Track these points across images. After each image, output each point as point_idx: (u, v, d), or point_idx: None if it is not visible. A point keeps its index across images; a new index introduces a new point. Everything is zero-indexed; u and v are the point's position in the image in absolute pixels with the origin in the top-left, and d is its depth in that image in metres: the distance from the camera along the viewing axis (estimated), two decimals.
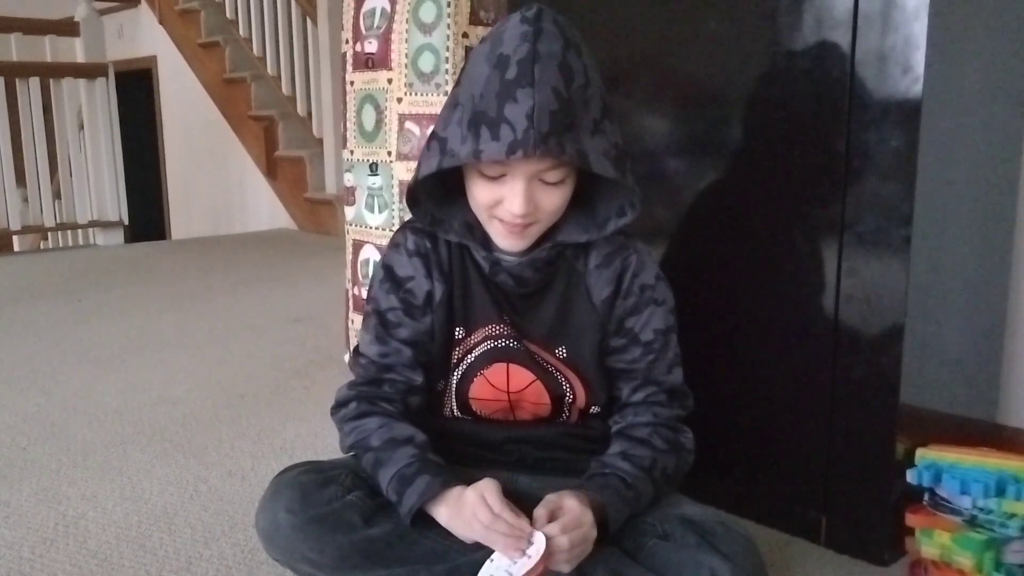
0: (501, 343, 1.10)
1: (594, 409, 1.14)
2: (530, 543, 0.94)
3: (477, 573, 0.98)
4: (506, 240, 1.04)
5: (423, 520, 1.01)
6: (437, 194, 1.08)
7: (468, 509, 0.97)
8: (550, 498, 0.99)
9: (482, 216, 1.05)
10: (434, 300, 1.10)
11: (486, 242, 1.08)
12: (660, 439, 1.10)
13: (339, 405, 1.14)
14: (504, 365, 1.11)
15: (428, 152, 1.02)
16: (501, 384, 1.11)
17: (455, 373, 1.12)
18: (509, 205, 0.99)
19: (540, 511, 0.97)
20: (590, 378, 1.12)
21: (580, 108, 0.96)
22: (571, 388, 1.12)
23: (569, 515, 0.96)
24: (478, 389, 1.12)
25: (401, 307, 1.11)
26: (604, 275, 1.10)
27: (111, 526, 1.33)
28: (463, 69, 1.03)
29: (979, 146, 1.30)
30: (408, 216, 1.11)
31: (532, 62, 0.93)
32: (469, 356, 1.11)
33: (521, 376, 1.11)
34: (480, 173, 1.00)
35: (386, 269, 1.13)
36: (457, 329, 1.11)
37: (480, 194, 1.02)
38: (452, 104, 1.02)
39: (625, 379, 1.13)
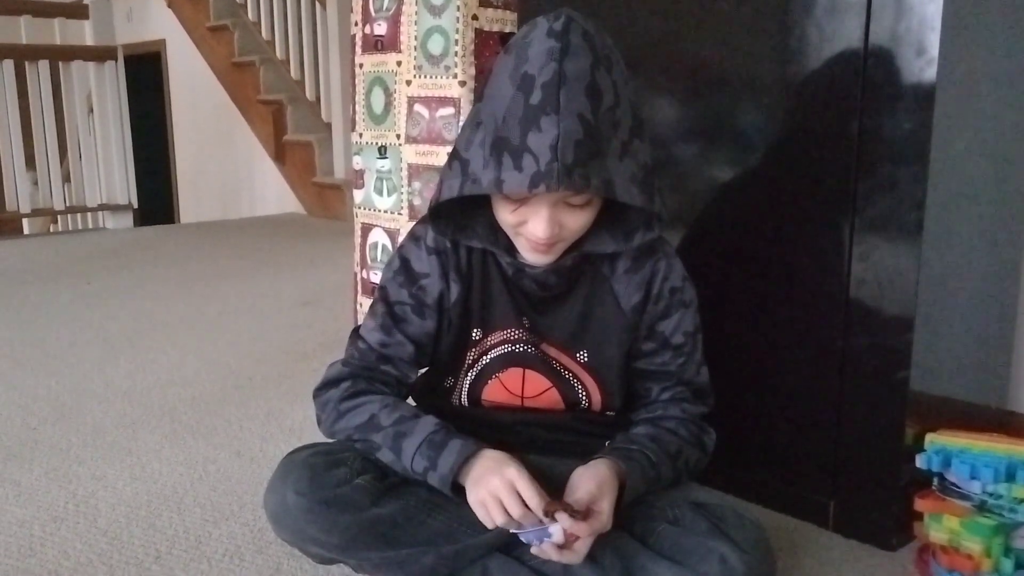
0: (518, 348, 1.10)
1: (609, 413, 1.14)
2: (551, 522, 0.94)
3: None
4: (532, 255, 1.03)
5: (455, 489, 1.01)
6: (461, 198, 1.04)
7: (493, 492, 0.96)
8: (585, 487, 0.97)
9: (508, 231, 1.03)
10: (447, 301, 1.09)
11: (510, 247, 1.06)
12: (687, 431, 1.10)
13: (330, 383, 1.12)
14: (520, 370, 1.10)
15: (450, 172, 0.99)
16: (516, 389, 1.11)
17: (469, 374, 1.12)
18: (533, 228, 0.97)
19: (581, 495, 0.96)
20: (610, 383, 1.11)
21: (608, 132, 0.93)
22: (587, 395, 1.12)
23: (596, 520, 0.94)
24: (492, 392, 1.12)
25: (411, 303, 1.10)
26: (634, 280, 1.09)
27: (121, 505, 1.34)
28: (486, 81, 0.99)
29: (994, 129, 1.29)
30: (417, 200, 1.10)
31: (558, 86, 0.89)
32: (484, 358, 1.11)
33: (537, 383, 1.11)
34: (503, 195, 0.98)
35: (402, 260, 1.11)
36: (475, 330, 1.10)
37: (504, 214, 1.01)
38: (474, 122, 0.98)
39: (654, 379, 1.13)
